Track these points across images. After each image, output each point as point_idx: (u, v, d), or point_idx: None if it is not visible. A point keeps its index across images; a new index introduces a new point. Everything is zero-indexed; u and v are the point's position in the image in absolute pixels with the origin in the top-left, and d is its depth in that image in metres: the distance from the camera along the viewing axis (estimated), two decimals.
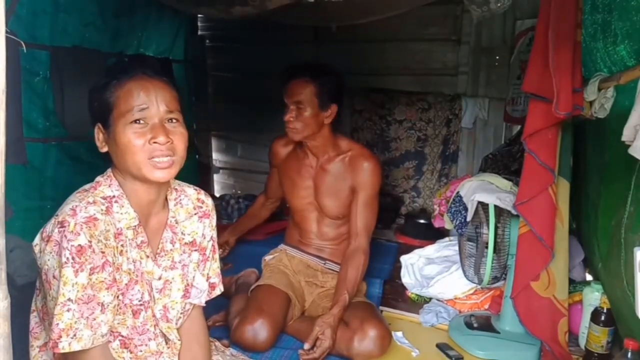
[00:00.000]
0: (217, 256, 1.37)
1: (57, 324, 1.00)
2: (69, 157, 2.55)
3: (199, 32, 3.98)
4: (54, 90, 2.43)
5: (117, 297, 1.11)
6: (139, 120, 1.10)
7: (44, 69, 2.38)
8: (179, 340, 1.27)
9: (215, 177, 4.39)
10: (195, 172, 3.90)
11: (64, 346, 1.01)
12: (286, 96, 1.98)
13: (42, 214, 2.24)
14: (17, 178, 2.26)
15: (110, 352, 1.12)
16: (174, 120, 1.14)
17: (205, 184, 4.07)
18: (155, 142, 1.09)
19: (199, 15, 3.82)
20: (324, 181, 2.09)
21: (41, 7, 2.31)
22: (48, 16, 2.36)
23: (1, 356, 0.71)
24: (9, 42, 0.66)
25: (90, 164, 2.57)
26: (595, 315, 1.76)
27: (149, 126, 1.10)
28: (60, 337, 1.00)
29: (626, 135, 1.17)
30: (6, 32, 0.65)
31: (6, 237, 0.71)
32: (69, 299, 1.00)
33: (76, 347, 1.02)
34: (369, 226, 2.05)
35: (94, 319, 1.04)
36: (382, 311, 2.16)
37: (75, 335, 1.01)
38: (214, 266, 1.36)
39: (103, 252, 1.05)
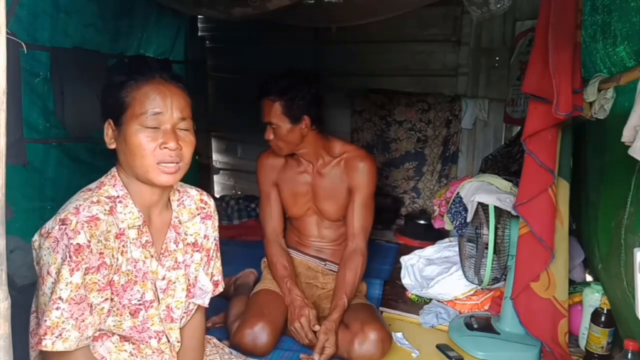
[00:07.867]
0: (219, 254, 1.39)
1: (45, 320, 1.00)
2: (69, 157, 2.55)
3: (199, 33, 3.98)
4: (54, 91, 2.43)
5: (112, 299, 1.11)
6: (152, 123, 1.11)
7: (44, 70, 2.38)
8: (178, 342, 1.28)
9: (215, 177, 4.39)
10: (195, 173, 3.90)
11: (47, 344, 1.00)
12: (261, 116, 1.95)
13: (43, 215, 2.25)
14: (17, 179, 2.26)
15: (92, 354, 1.10)
16: (185, 127, 1.15)
17: (205, 185, 4.07)
18: (165, 148, 1.11)
19: (199, 16, 3.83)
20: (321, 185, 2.07)
21: (41, 8, 2.31)
22: (48, 17, 2.35)
23: (1, 357, 0.71)
24: (9, 43, 0.66)
25: (91, 164, 2.58)
26: (595, 316, 1.76)
27: (161, 131, 1.11)
28: (46, 334, 1.00)
29: (626, 136, 1.17)
30: (6, 33, 0.65)
31: (6, 238, 0.71)
32: (60, 298, 1.00)
33: (60, 347, 1.01)
34: (366, 227, 2.05)
35: (83, 321, 1.03)
36: (382, 312, 2.16)
37: (60, 334, 1.00)
38: (217, 264, 1.38)
39: (101, 253, 1.05)
